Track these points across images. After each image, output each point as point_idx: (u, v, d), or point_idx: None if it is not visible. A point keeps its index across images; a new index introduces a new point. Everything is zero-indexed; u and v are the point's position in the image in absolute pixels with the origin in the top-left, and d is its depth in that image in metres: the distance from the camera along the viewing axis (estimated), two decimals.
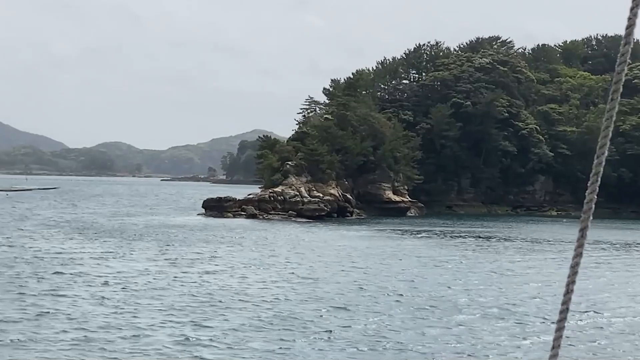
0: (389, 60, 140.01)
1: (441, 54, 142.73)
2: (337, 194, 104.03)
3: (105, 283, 36.94)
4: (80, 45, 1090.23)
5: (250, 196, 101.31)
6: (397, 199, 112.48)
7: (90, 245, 55.21)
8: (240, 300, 33.28)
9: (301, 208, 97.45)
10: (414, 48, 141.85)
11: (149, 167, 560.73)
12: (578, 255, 3.41)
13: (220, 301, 32.70)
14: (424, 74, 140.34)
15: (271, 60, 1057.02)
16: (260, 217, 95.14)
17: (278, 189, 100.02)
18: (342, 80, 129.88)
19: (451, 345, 26.25)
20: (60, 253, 48.62)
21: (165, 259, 47.32)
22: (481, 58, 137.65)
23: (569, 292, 3.45)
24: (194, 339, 25.81)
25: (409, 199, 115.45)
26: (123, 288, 35.49)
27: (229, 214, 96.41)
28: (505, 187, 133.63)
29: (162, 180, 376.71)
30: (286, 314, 30.19)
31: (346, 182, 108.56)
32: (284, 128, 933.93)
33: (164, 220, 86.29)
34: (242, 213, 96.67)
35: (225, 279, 39.65)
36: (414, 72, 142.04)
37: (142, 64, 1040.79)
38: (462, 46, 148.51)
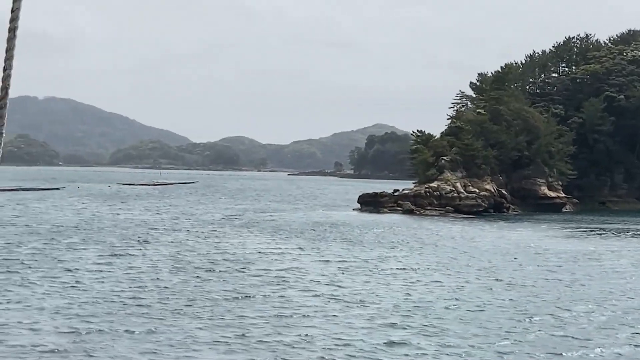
0: (538, 53, 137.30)
1: (591, 46, 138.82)
2: (493, 190, 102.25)
3: (317, 282, 36.19)
4: (199, 42, 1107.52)
5: (406, 191, 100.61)
6: (553, 194, 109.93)
7: (275, 242, 54.73)
8: (472, 309, 30.89)
9: (458, 204, 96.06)
10: (563, 41, 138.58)
11: (272, 161, 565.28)
12: None
13: (446, 307, 30.84)
14: (574, 67, 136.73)
15: (387, 55, 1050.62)
16: (417, 212, 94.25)
17: (434, 185, 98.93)
18: (489, 74, 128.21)
19: None
20: (256, 251, 48.21)
21: (359, 258, 46.15)
22: (633, 51, 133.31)
23: None
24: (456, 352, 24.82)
25: (564, 194, 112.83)
26: (348, 291, 34.90)
27: (385, 210, 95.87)
28: None
29: (289, 174, 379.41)
30: (522, 330, 27.48)
31: (500, 178, 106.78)
32: (405, 122, 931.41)
33: (326, 215, 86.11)
34: (398, 208, 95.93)
35: (428, 283, 37.38)
36: (563, 65, 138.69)
37: (258, 59, 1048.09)
38: (612, 39, 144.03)
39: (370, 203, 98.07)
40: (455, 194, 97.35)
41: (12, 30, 3.49)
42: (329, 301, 31.52)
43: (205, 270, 39.01)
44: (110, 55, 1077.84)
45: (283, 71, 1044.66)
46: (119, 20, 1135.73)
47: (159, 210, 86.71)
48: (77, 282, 34.49)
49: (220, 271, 38.94)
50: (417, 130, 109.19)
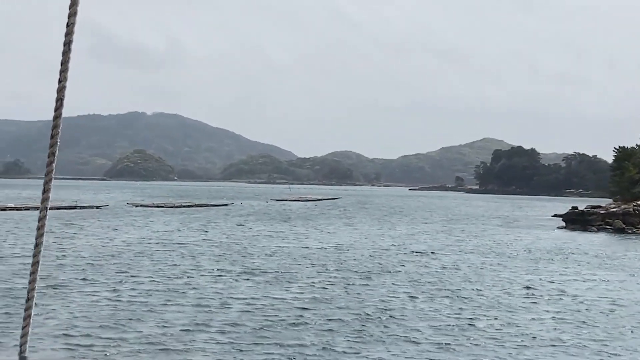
0: None
1: None
2: None
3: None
4: (298, 54, 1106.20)
5: (613, 209, 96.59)
6: None
7: (561, 274, 51.88)
8: None
9: None
10: None
11: (381, 175, 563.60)
12: None
13: None
14: None
15: (492, 65, 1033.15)
16: (629, 231, 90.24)
17: None
18: None
19: None
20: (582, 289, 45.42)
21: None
22: None
23: None
24: None
25: None
26: None
27: (593, 228, 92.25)
28: None
29: (410, 189, 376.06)
30: None
31: None
32: (514, 135, 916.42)
33: (534, 235, 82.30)
34: (608, 227, 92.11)
35: None
36: None
37: (357, 69, 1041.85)
38: None
39: (577, 221, 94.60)
40: None
41: (67, 44, 3.60)
42: None
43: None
44: (211, 69, 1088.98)
45: (382, 82, 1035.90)
46: (218, 33, 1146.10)
47: (391, 234, 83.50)
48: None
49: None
50: (619, 147, 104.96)
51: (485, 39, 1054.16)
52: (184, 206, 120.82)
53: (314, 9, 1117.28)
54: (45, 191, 3.75)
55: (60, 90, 3.66)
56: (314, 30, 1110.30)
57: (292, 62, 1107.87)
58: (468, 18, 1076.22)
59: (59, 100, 3.68)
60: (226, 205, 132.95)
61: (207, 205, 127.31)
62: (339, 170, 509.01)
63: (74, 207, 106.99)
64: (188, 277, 40.09)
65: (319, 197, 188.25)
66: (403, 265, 49.06)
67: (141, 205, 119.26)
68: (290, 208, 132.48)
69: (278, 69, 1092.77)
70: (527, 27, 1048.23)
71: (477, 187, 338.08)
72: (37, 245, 3.79)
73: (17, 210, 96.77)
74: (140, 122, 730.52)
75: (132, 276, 39.78)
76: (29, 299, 3.87)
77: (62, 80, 3.64)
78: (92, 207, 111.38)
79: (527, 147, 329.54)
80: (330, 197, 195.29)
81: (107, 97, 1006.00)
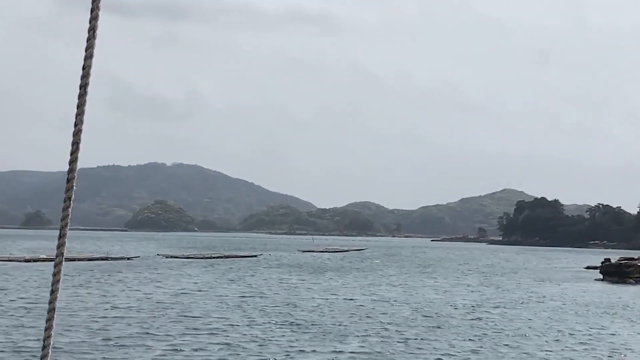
0: None
1: None
2: None
3: None
4: (317, 106, 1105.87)
5: None
6: None
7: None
8: None
9: None
10: None
11: (401, 226, 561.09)
12: None
13: None
14: None
15: (512, 118, 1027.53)
16: None
17: None
18: None
19: None
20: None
21: None
22: None
23: None
24: None
25: None
26: None
27: (631, 280, 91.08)
28: None
29: (432, 240, 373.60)
30: None
31: None
32: (534, 187, 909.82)
33: (576, 288, 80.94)
34: None
35: None
36: None
37: (378, 122, 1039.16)
38: None
39: (614, 273, 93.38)
40: None
41: (83, 87, 3.63)
42: None
43: None
44: (230, 120, 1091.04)
45: (402, 135, 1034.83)
46: (237, 84, 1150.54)
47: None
48: None
49: None
50: None
51: (504, 90, 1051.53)
52: (214, 257, 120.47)
53: (334, 62, 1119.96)
54: (61, 236, 3.65)
55: (77, 133, 3.65)
56: (334, 83, 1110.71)
57: (311, 113, 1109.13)
58: (487, 70, 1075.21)
59: (75, 144, 3.65)
60: (255, 256, 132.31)
61: (236, 257, 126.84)
62: (359, 221, 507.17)
63: (106, 259, 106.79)
64: (244, 330, 39.53)
65: (345, 248, 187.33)
66: (453, 318, 48.29)
67: (172, 257, 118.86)
68: (320, 259, 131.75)
69: (297, 120, 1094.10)
70: (546, 78, 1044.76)
71: (500, 238, 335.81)
72: (53, 291, 3.73)
73: (51, 261, 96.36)
74: (160, 172, 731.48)
75: (187, 328, 39.28)
76: (45, 347, 3.73)
77: (78, 123, 3.64)
78: (123, 258, 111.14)
79: (547, 197, 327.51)
80: (356, 248, 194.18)
81: (126, 147, 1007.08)
